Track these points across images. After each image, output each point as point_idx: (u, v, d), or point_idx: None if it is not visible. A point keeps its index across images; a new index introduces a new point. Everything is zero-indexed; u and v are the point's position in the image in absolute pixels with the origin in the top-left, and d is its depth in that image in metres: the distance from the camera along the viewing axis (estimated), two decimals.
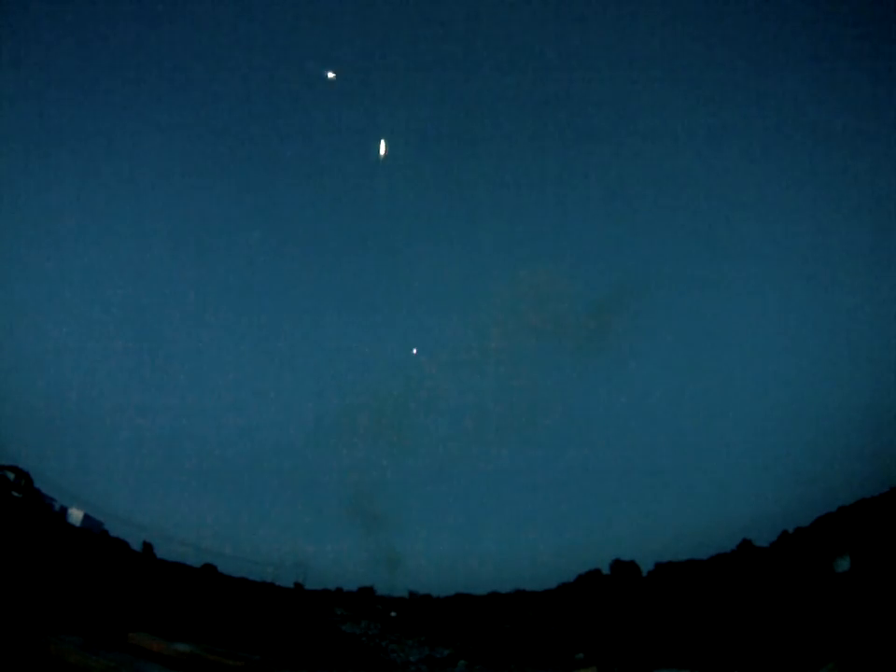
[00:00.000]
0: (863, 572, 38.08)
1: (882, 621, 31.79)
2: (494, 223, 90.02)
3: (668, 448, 66.93)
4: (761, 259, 74.35)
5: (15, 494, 43.67)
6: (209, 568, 52.70)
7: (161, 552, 50.91)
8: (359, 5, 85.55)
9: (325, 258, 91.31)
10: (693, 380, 71.70)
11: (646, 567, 56.41)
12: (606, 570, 58.52)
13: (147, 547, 50.27)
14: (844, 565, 40.54)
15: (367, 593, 62.20)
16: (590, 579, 59.07)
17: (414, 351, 69.39)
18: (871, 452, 46.19)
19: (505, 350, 72.04)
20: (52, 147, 78.19)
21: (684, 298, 74.18)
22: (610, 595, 55.49)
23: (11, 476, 44.72)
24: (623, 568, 58.20)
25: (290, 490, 63.93)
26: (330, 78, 77.10)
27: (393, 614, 56.71)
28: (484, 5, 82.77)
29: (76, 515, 47.82)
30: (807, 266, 69.92)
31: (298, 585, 58.41)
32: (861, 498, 41.79)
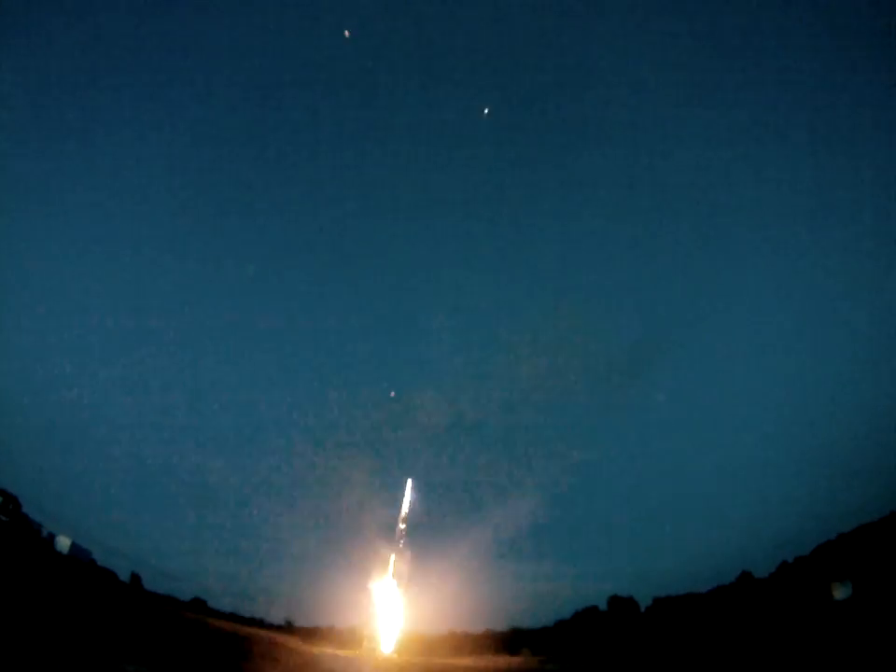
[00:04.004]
0: (865, 598, 38.10)
1: (883, 647, 31.75)
2: (521, 256, 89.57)
3: (664, 480, 66.94)
4: (768, 293, 75.55)
5: (2, 518, 42.52)
6: (198, 602, 51.19)
7: (149, 583, 49.61)
8: None
9: (344, 275, 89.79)
10: (688, 413, 72.16)
11: (644, 602, 55.79)
12: (603, 607, 57.73)
13: (136, 578, 48.89)
14: (846, 592, 40.53)
15: (356, 631, 60.27)
16: (587, 616, 58.06)
17: (392, 394, 68.71)
18: (868, 477, 46.72)
19: (512, 379, 72.12)
20: (47, 147, 77.17)
21: (694, 334, 74.87)
22: (608, 632, 54.57)
23: None
24: (621, 605, 57.41)
25: (286, 524, 62.29)
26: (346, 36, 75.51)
27: (386, 652, 55.15)
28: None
29: (63, 543, 46.31)
30: (810, 293, 71.39)
31: (288, 623, 56.70)
32: (860, 524, 42.09)
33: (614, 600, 57.79)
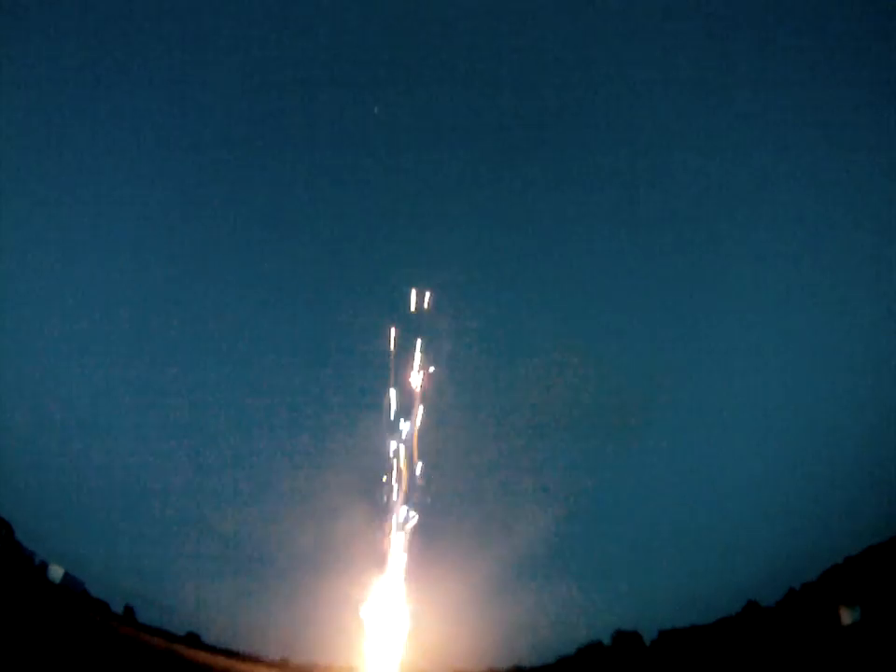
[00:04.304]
0: (874, 622, 37.61)
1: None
2: (523, 280, 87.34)
3: (666, 510, 66.07)
4: (771, 319, 75.11)
5: None
6: (193, 637, 50.00)
7: (142, 616, 48.58)
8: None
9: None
10: (690, 440, 71.61)
11: (649, 635, 54.59)
12: (607, 642, 56.48)
13: (129, 610, 47.90)
14: (854, 616, 40.00)
15: (354, 668, 58.59)
16: (591, 652, 56.80)
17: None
18: (874, 498, 46.39)
19: (505, 408, 71.32)
20: (41, 150, 76.13)
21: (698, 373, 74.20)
22: (613, 667, 53.35)
23: None
24: (626, 639, 56.21)
25: (283, 557, 61.06)
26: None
27: None
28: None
29: (56, 572, 45.49)
30: (816, 320, 71.21)
31: (284, 659, 55.13)
32: (867, 546, 41.79)
33: (619, 635, 56.63)
